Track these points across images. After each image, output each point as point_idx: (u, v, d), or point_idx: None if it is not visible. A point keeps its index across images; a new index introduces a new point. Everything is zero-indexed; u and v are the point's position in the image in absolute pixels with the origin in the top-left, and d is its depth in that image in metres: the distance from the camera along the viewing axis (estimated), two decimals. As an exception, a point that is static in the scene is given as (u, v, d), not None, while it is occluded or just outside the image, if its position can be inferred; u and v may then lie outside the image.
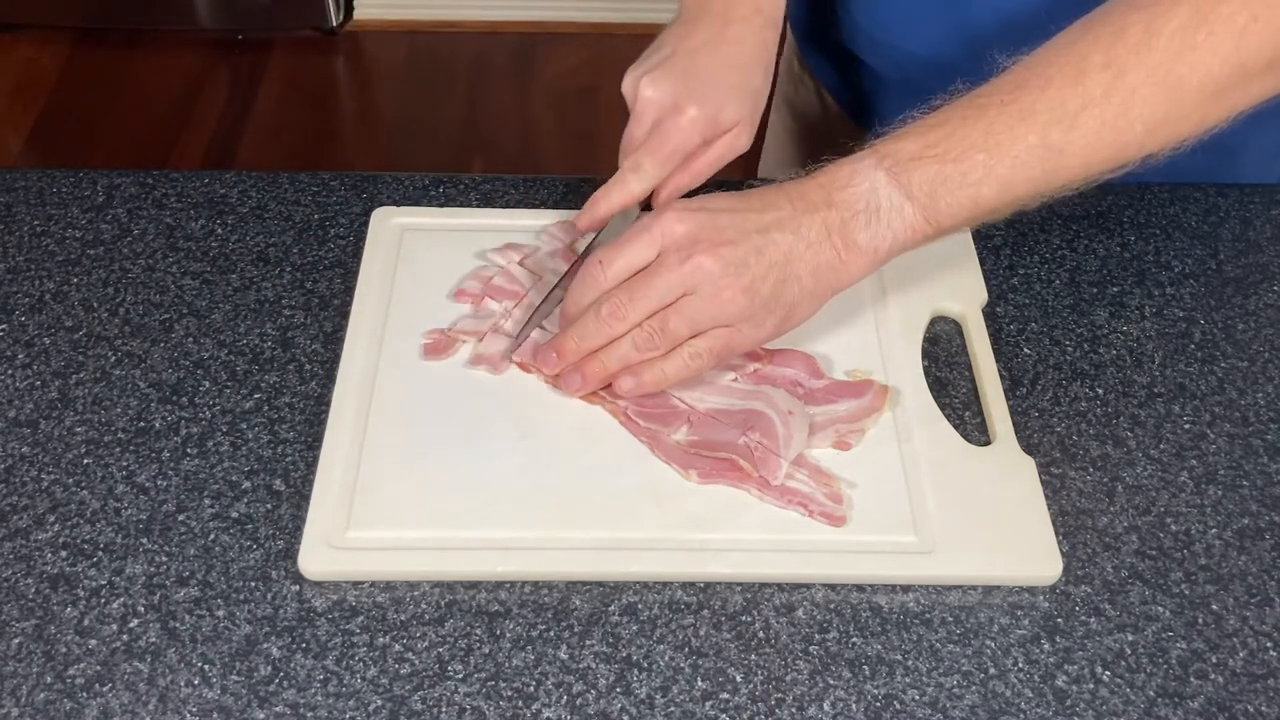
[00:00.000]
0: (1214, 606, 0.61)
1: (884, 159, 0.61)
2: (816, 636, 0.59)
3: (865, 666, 0.58)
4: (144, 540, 0.61)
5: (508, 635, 0.58)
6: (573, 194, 0.81)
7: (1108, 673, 0.58)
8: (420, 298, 0.73)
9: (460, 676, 0.57)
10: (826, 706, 0.56)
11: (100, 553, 0.61)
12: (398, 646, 0.58)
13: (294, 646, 0.58)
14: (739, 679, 0.57)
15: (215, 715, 0.55)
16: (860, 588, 0.61)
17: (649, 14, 2.47)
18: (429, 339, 0.70)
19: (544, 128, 2.36)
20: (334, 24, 2.50)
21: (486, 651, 0.58)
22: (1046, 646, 0.59)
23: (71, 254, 0.76)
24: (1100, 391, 0.71)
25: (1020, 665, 0.58)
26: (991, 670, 0.58)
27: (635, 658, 0.58)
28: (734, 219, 0.62)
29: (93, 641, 0.58)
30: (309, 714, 0.55)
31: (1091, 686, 0.57)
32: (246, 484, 0.64)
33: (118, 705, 0.55)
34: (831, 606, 0.60)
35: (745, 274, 0.61)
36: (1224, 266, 0.79)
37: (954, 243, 0.76)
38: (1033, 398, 0.70)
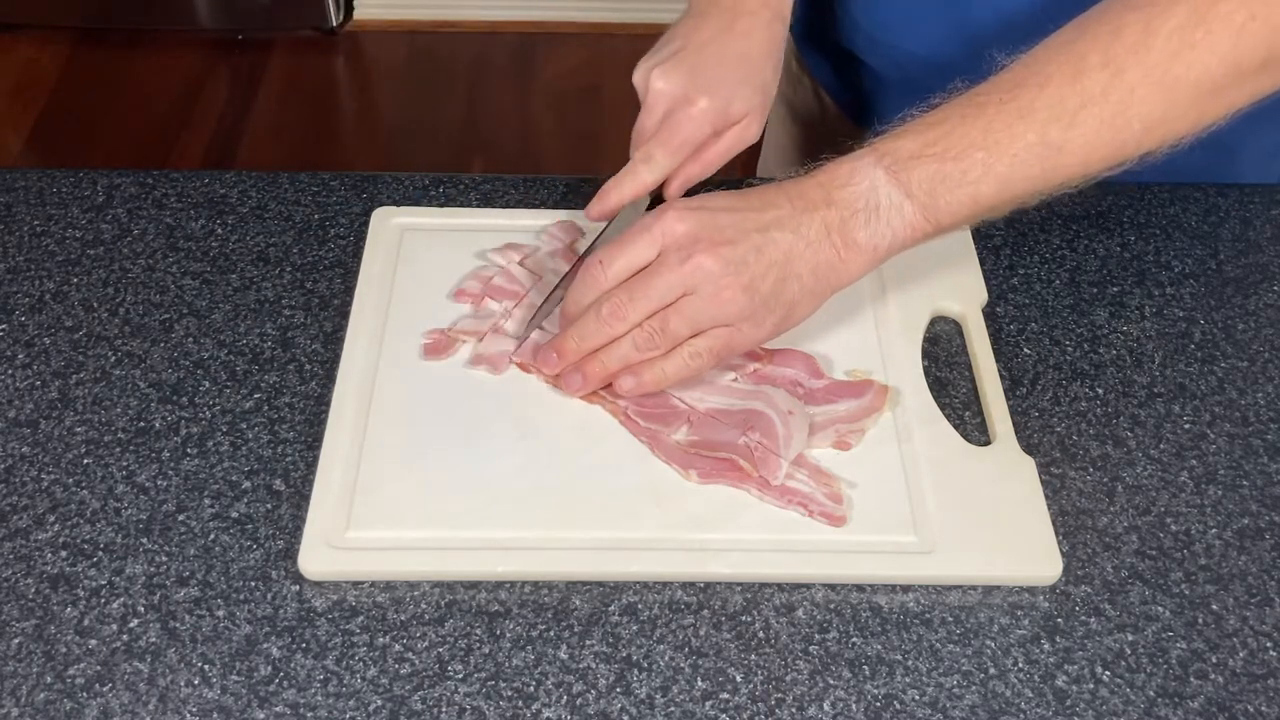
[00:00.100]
0: (1214, 606, 0.61)
1: (883, 157, 0.61)
2: (816, 636, 0.59)
3: (865, 666, 0.58)
4: (144, 540, 0.61)
5: (508, 635, 0.58)
6: (573, 194, 0.81)
7: (1108, 673, 0.58)
8: (420, 298, 0.73)
9: (460, 676, 0.57)
10: (826, 706, 0.56)
11: (100, 553, 0.61)
12: (398, 646, 0.58)
13: (294, 646, 0.58)
14: (739, 679, 0.57)
15: (215, 715, 0.55)
16: (860, 588, 0.61)
17: (649, 14, 2.47)
18: (429, 339, 0.70)
19: (544, 128, 2.36)
20: (334, 24, 2.50)
21: (486, 651, 0.58)
22: (1046, 646, 0.59)
23: (71, 254, 0.76)
24: (1100, 391, 0.71)
25: (1020, 665, 0.58)
26: (991, 670, 0.58)
27: (635, 658, 0.58)
28: (734, 218, 0.62)
29: (93, 641, 0.58)
30: (309, 714, 0.55)
31: (1091, 686, 0.57)
32: (246, 484, 0.64)
33: (118, 705, 0.55)
34: (831, 606, 0.60)
35: (745, 273, 0.61)
36: (1224, 266, 0.79)
37: (954, 242, 0.76)
38: (1033, 398, 0.70)
